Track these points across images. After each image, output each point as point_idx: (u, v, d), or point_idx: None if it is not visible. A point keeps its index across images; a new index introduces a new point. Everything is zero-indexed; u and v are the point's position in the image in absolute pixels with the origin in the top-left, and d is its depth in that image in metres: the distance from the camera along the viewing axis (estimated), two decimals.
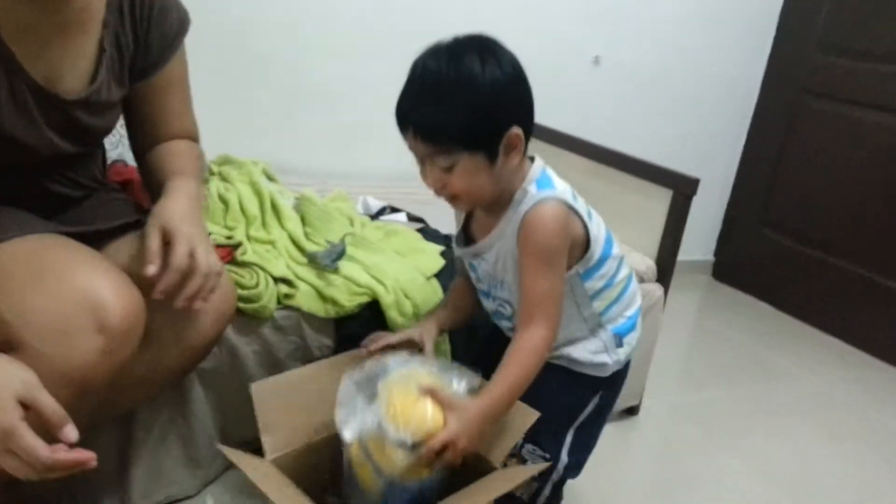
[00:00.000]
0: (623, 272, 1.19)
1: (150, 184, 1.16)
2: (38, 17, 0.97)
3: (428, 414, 0.95)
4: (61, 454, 0.76)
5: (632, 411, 1.89)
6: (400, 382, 0.99)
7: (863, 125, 2.49)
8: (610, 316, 1.17)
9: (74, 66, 1.02)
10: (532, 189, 1.05)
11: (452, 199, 1.04)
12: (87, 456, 0.77)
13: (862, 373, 2.35)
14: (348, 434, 0.97)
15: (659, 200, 1.74)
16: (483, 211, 1.12)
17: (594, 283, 1.13)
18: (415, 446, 0.93)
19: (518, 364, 1.02)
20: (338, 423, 0.98)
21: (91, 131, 1.09)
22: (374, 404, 0.97)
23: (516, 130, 1.00)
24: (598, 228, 1.12)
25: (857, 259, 2.53)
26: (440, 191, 1.04)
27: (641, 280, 1.72)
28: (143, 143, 1.20)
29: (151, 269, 0.94)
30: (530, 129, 1.03)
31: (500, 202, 1.07)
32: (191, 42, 1.86)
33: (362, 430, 0.97)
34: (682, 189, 1.68)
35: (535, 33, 2.29)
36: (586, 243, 1.09)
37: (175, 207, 1.02)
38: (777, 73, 2.77)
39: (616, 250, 1.17)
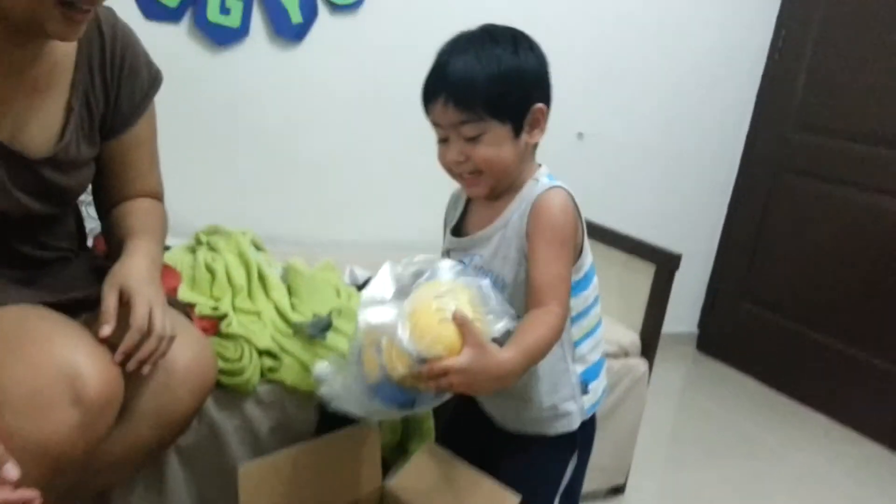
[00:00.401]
0: (597, 308, 1.17)
1: (111, 241, 1.15)
2: (3, 77, 0.98)
3: (445, 338, 0.92)
4: (6, 493, 0.74)
5: (617, 490, 1.85)
6: (434, 294, 0.96)
7: (839, 202, 2.56)
8: (582, 351, 1.15)
9: (42, 126, 1.03)
10: (544, 179, 1.07)
11: (472, 174, 1.04)
12: (31, 495, 0.76)
13: (846, 449, 2.34)
14: (367, 319, 0.97)
15: (642, 275, 1.76)
16: (486, 201, 1.11)
17: (577, 303, 1.11)
18: (421, 361, 0.92)
19: (534, 333, 0.98)
20: (362, 301, 1.00)
21: (61, 190, 1.08)
22: (403, 302, 0.96)
23: (542, 106, 1.04)
24: (586, 242, 1.12)
25: (837, 334, 2.55)
26: (461, 165, 1.04)
27: (626, 354, 1.72)
28: (107, 200, 1.20)
29: (106, 329, 0.93)
30: (547, 116, 1.06)
31: (508, 190, 1.07)
32: (184, 111, 1.92)
33: (381, 322, 0.95)
34: (666, 264, 1.71)
35: None
36: (580, 248, 1.09)
37: (134, 267, 1.02)
38: (755, 150, 2.86)
39: (595, 281, 1.16)
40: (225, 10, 1.90)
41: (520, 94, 1.02)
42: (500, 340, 0.97)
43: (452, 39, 1.05)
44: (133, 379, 0.97)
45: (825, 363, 2.58)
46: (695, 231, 2.89)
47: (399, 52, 2.14)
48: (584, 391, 1.16)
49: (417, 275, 1.02)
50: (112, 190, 1.19)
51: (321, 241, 2.15)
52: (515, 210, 1.06)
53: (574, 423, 1.14)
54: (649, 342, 1.72)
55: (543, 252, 1.02)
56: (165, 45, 1.86)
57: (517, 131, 1.03)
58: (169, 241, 1.76)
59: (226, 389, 1.27)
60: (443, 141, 1.05)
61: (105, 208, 1.20)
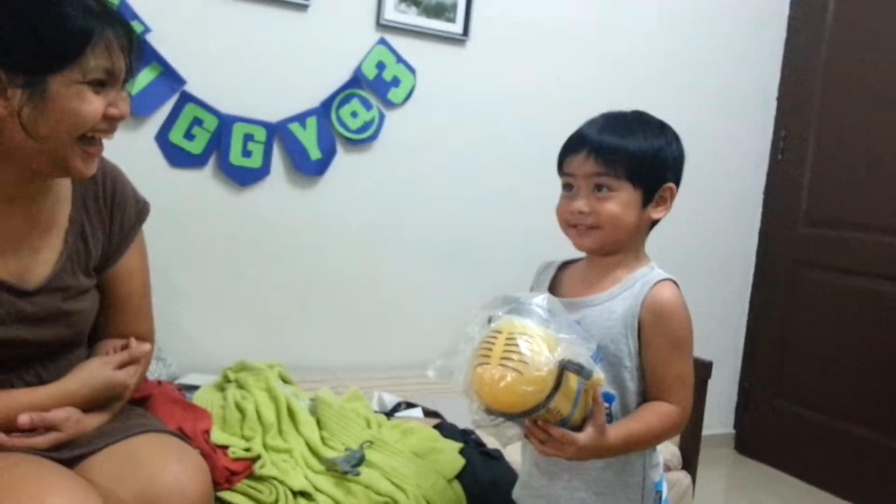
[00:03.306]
0: None
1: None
2: (7, 219, 1.05)
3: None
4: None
5: None
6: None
7: (856, 291, 2.55)
8: (656, 459, 1.13)
9: (43, 260, 1.09)
10: (658, 270, 1.09)
11: (590, 229, 1.06)
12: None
13: None
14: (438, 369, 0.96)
15: None
16: (585, 272, 1.13)
17: None
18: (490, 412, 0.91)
19: (643, 421, 1.02)
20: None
21: (60, 315, 1.10)
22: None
23: (673, 186, 1.08)
24: None
25: (871, 425, 2.48)
26: (583, 217, 1.06)
27: (668, 469, 1.67)
28: (97, 335, 1.22)
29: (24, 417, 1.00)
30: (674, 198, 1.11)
31: (616, 259, 1.09)
32: (207, 250, 1.98)
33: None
34: (697, 373, 1.68)
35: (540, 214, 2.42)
36: None
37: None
38: (769, 248, 2.89)
39: None
40: (247, 153, 2.01)
41: (658, 169, 1.08)
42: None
43: (603, 114, 1.12)
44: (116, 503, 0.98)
45: (862, 456, 2.49)
46: (719, 332, 2.87)
47: (412, 180, 2.24)
48: (657, 502, 1.12)
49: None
50: (102, 324, 1.22)
51: (346, 367, 2.15)
52: (627, 287, 1.07)
53: None
54: (690, 454, 1.67)
55: (668, 350, 1.04)
56: (190, 189, 1.96)
57: (645, 202, 1.07)
58: (197, 380, 1.79)
59: None
60: (568, 192, 1.09)
61: (92, 340, 1.23)
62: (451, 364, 0.95)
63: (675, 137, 1.12)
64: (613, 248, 1.10)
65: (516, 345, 0.89)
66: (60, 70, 0.97)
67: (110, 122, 1.05)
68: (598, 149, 1.06)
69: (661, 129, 1.11)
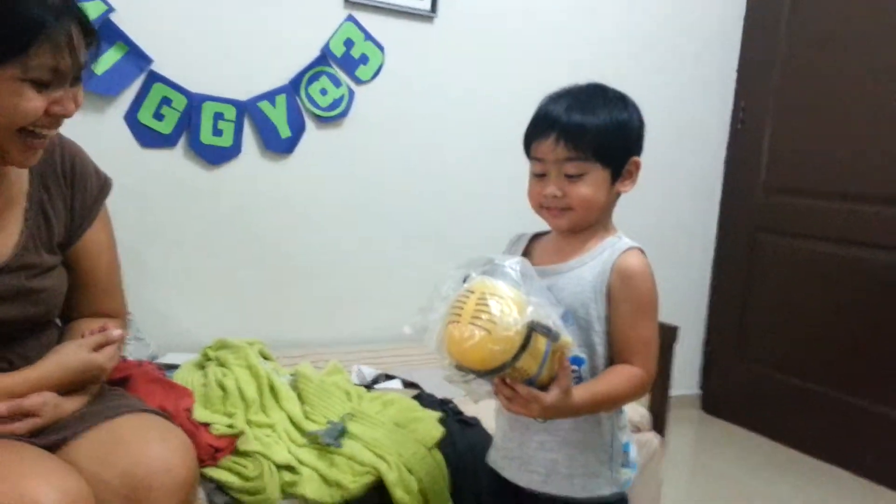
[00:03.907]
0: None
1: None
2: None
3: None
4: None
5: None
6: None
7: (811, 255, 2.67)
8: (623, 420, 1.17)
9: (2, 240, 1.09)
10: (626, 239, 1.13)
11: (562, 210, 1.10)
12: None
13: (860, 500, 2.33)
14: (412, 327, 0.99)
15: None
16: (557, 242, 1.16)
17: None
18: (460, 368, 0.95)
19: (610, 383, 1.06)
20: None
21: (26, 292, 1.10)
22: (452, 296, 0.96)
23: (638, 159, 1.12)
24: None
25: (829, 383, 2.59)
26: (556, 200, 1.09)
27: (637, 430, 1.74)
28: (68, 313, 1.23)
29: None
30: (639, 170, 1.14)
31: (587, 233, 1.13)
32: (182, 229, 1.98)
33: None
34: (664, 338, 1.74)
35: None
36: None
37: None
38: (731, 216, 2.98)
39: None
40: (217, 132, 2.00)
41: (624, 144, 1.11)
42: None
43: (564, 90, 1.14)
44: (101, 485, 0.98)
45: (825, 413, 2.61)
46: (684, 298, 2.96)
47: (382, 157, 2.25)
48: (626, 463, 1.17)
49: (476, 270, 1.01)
50: (73, 303, 1.22)
51: (323, 341, 2.18)
52: (596, 255, 1.11)
53: (603, 489, 1.14)
54: (659, 416, 1.74)
55: (634, 315, 1.08)
56: (162, 168, 1.95)
57: (614, 178, 1.11)
58: (177, 359, 1.81)
59: None
60: (539, 176, 1.12)
61: (65, 320, 1.23)
62: (425, 321, 0.98)
63: (635, 107, 1.14)
64: (587, 226, 1.13)
65: (487, 305, 0.92)
66: (0, 63, 0.94)
67: (54, 118, 1.03)
68: (566, 132, 1.07)
69: (622, 102, 1.13)
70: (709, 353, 3.09)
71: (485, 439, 1.45)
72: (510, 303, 0.92)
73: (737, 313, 2.96)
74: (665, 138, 2.75)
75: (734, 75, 2.93)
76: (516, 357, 0.92)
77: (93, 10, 1.77)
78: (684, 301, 2.96)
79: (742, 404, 2.93)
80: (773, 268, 2.82)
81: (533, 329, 0.93)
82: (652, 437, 1.73)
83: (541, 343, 0.94)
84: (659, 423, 1.75)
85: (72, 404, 1.11)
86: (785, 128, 2.77)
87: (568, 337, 0.97)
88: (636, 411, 1.75)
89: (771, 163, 2.83)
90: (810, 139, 2.67)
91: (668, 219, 2.87)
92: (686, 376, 3.07)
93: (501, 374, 0.95)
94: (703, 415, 3.07)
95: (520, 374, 0.95)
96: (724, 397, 3.02)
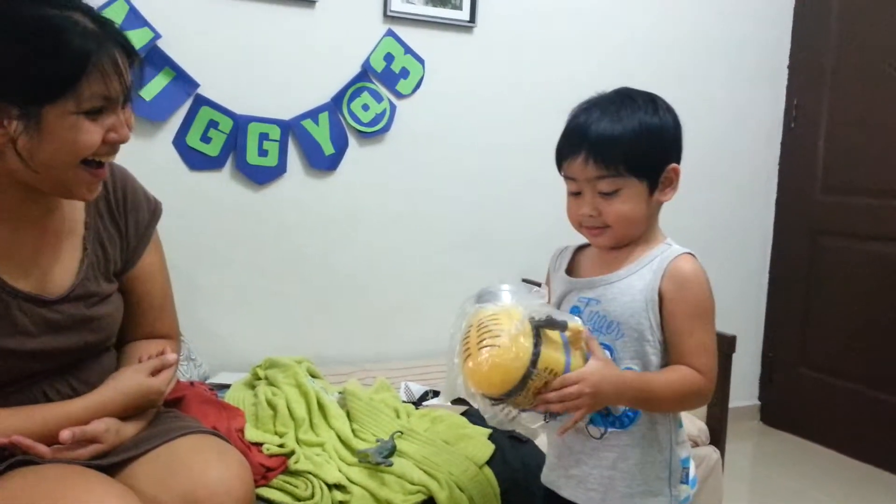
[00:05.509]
0: None
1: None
2: (24, 233, 1.06)
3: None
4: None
5: None
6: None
7: (874, 257, 2.54)
8: (682, 436, 1.13)
9: (63, 270, 1.10)
10: (676, 245, 1.09)
11: (601, 228, 1.06)
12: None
13: None
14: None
15: None
16: (607, 250, 1.12)
17: None
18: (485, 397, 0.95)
19: (662, 375, 1.02)
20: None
21: (85, 321, 1.11)
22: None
23: (676, 166, 1.07)
24: None
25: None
26: (591, 219, 1.06)
27: (695, 444, 1.68)
28: (122, 338, 1.23)
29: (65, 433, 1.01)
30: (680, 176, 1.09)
31: (633, 243, 1.09)
32: (230, 249, 2.01)
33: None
34: (721, 347, 1.69)
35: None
36: None
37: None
38: (787, 218, 2.87)
39: None
40: (263, 152, 2.03)
41: (658, 152, 1.06)
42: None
43: (590, 100, 1.09)
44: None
45: (892, 423, 2.48)
46: (741, 305, 2.87)
47: (425, 170, 2.25)
48: (685, 479, 1.12)
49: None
50: (127, 326, 1.23)
51: (371, 358, 2.18)
52: (645, 264, 1.07)
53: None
54: (718, 429, 1.68)
55: (690, 320, 1.04)
56: (210, 189, 1.99)
57: (652, 189, 1.06)
58: (227, 379, 1.82)
59: None
60: (574, 195, 1.08)
61: (119, 345, 1.24)
62: (451, 379, 0.99)
63: (668, 109, 1.09)
64: (630, 241, 1.10)
65: (485, 327, 0.94)
66: (54, 101, 0.95)
67: (111, 146, 1.04)
68: (594, 149, 1.03)
69: (652, 105, 1.07)
70: (768, 362, 2.98)
71: (536, 456, 1.43)
72: (503, 316, 0.95)
73: (797, 319, 2.84)
74: (717, 141, 2.69)
75: (786, 72, 2.84)
76: (535, 360, 0.92)
77: (140, 38, 1.82)
78: (741, 308, 2.87)
79: (804, 415, 2.81)
80: (835, 271, 2.70)
81: (537, 326, 0.94)
82: (711, 452, 1.67)
83: (554, 336, 0.96)
84: (717, 436, 1.69)
85: (131, 429, 1.12)
86: (840, 124, 2.66)
87: (578, 322, 0.97)
88: (694, 425, 1.69)
89: (827, 161, 2.72)
90: (867, 135, 2.56)
91: (722, 224, 2.78)
92: (745, 387, 2.96)
93: (532, 385, 0.94)
94: (763, 426, 2.96)
95: (549, 373, 0.94)
96: (784, 408, 2.90)
